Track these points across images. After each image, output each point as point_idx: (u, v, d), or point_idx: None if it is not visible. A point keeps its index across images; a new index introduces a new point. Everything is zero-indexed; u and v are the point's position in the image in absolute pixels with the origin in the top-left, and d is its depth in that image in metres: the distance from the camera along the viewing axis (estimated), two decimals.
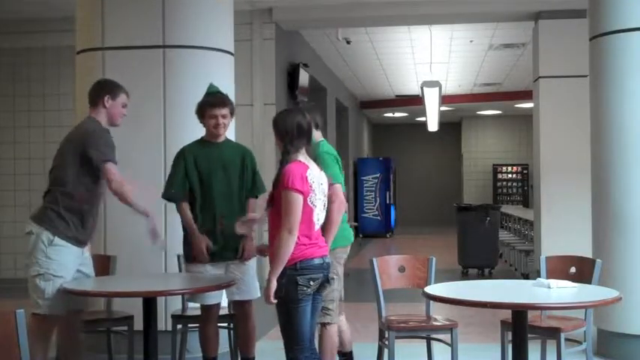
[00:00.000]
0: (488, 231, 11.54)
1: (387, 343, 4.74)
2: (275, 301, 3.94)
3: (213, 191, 4.96)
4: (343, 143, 17.35)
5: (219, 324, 5.19)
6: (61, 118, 10.47)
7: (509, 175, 24.02)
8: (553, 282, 4.09)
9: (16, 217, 10.64)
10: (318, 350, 4.64)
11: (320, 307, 4.29)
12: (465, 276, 11.40)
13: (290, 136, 4.04)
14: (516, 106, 20.45)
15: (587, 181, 6.50)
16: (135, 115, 5.91)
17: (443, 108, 18.40)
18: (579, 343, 4.83)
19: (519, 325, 4.01)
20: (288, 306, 3.97)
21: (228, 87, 5.79)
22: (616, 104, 6.01)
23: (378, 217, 20.07)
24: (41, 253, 4.55)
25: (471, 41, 12.98)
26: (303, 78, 11.54)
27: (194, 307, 5.31)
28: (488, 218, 11.54)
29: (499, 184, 23.99)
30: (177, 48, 6.10)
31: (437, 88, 14.48)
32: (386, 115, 23.20)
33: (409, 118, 23.50)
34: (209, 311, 5.02)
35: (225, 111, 4.99)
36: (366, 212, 19.65)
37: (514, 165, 23.96)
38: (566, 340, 4.65)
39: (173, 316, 5.36)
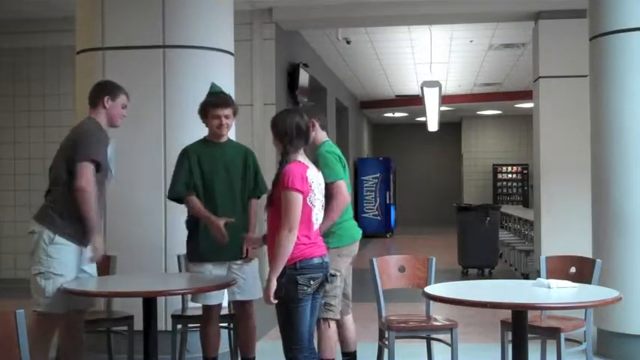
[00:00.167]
0: (488, 231, 11.54)
1: (387, 343, 4.74)
2: (275, 301, 3.94)
3: (216, 191, 4.96)
4: (343, 143, 17.34)
5: (219, 324, 5.19)
6: (61, 118, 10.47)
7: (509, 175, 24.02)
8: (553, 282, 4.09)
9: (16, 217, 10.64)
10: (317, 348, 4.66)
11: (318, 307, 4.29)
12: (465, 276, 11.40)
13: (289, 136, 4.07)
14: (516, 106, 20.44)
15: (587, 181, 6.50)
16: (135, 115, 5.91)
17: (443, 108, 18.40)
18: (579, 343, 4.83)
19: (519, 325, 4.01)
20: (287, 305, 3.98)
21: (228, 87, 5.80)
22: (616, 104, 6.01)
23: (378, 217, 20.07)
24: (42, 252, 4.56)
25: (471, 41, 12.98)
26: (303, 78, 11.54)
27: (194, 307, 5.31)
28: (488, 218, 11.54)
29: (499, 184, 23.99)
30: (177, 48, 6.10)
31: (437, 88, 14.47)
32: (386, 115, 23.20)
33: (409, 118, 23.50)
34: (210, 311, 5.02)
35: (228, 111, 4.99)
36: (366, 212, 19.64)
37: (514, 165, 23.95)
38: (566, 340, 4.65)
39: (173, 316, 5.36)
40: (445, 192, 24.81)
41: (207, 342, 5.05)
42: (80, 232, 4.60)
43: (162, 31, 6.08)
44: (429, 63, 14.18)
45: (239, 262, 5.03)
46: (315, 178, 4.08)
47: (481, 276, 11.34)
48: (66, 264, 4.57)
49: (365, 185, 20.11)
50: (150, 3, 6.10)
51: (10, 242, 10.76)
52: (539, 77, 10.11)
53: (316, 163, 4.42)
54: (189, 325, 5.40)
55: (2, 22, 10.63)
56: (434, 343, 5.06)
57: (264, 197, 4.46)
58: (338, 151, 5.04)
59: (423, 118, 20.36)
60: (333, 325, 4.87)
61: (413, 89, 17.70)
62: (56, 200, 4.62)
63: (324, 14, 10.51)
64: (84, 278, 4.68)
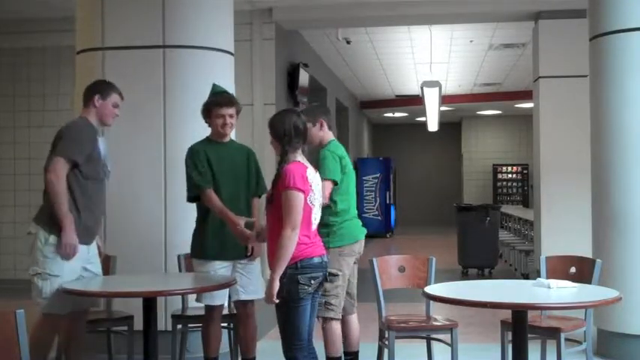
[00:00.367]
0: (488, 231, 11.54)
1: (387, 343, 4.74)
2: (277, 301, 3.94)
3: (223, 191, 4.95)
4: (343, 143, 17.21)
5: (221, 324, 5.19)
6: (60, 118, 10.40)
7: (509, 175, 24.02)
8: (553, 282, 4.09)
9: (16, 217, 10.64)
10: (324, 346, 4.67)
11: (317, 306, 4.29)
12: (465, 276, 11.40)
13: (287, 137, 4.09)
14: (516, 106, 20.44)
15: (587, 181, 6.50)
16: (135, 115, 5.93)
17: (443, 108, 18.39)
18: (579, 343, 4.83)
19: (519, 325, 4.01)
20: (288, 305, 3.99)
21: (228, 87, 5.79)
22: (616, 104, 6.01)
23: (378, 217, 20.07)
24: (39, 253, 4.56)
25: (471, 41, 12.98)
26: (303, 78, 11.54)
27: (194, 307, 5.31)
28: (488, 218, 11.54)
29: (499, 184, 23.99)
30: (177, 48, 6.09)
31: (437, 88, 14.47)
32: (386, 115, 23.20)
33: (409, 118, 23.50)
34: (213, 311, 5.02)
35: (232, 110, 5.00)
36: (366, 212, 19.63)
37: (514, 165, 23.95)
38: (566, 340, 4.65)
39: (173, 316, 5.36)
40: (445, 192, 24.81)
41: (209, 342, 5.04)
42: (78, 231, 4.59)
43: (163, 31, 6.08)
44: (429, 63, 14.18)
45: (244, 260, 5.03)
46: (314, 177, 4.10)
47: (481, 276, 11.35)
48: (62, 264, 4.56)
49: (365, 185, 20.10)
50: (150, 3, 6.10)
51: (10, 243, 10.76)
52: (539, 77, 10.11)
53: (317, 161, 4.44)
54: (189, 325, 5.40)
55: (2, 22, 10.63)
56: (434, 343, 5.06)
57: (264, 197, 4.47)
58: (341, 152, 5.04)
59: (423, 118, 20.36)
60: (336, 323, 4.88)
61: (413, 89, 17.70)
62: (50, 199, 4.61)
63: (324, 14, 10.51)
64: (84, 278, 4.68)
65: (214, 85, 5.15)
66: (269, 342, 6.22)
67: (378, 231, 19.49)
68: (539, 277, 4.76)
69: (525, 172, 23.34)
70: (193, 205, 5.09)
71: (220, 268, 4.95)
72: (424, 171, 25.77)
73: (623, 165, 5.95)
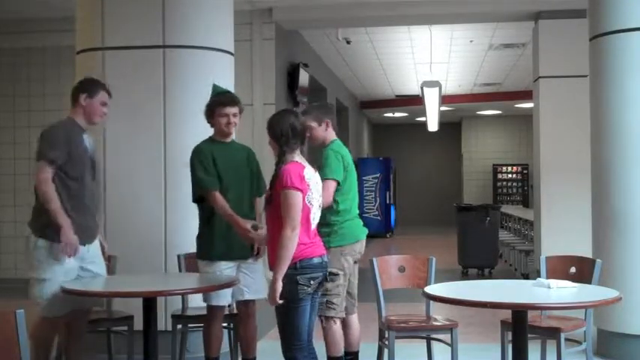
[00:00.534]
0: (488, 231, 11.54)
1: (387, 343, 4.74)
2: (280, 302, 3.93)
3: (228, 191, 4.95)
4: (343, 143, 17.34)
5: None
6: (60, 118, 10.44)
7: (509, 175, 24.02)
8: (553, 282, 4.09)
9: (16, 217, 10.63)
10: (325, 346, 4.67)
11: (317, 306, 4.29)
12: (465, 276, 11.40)
13: (285, 137, 4.09)
14: (516, 106, 20.44)
15: (587, 181, 6.50)
16: (135, 115, 5.93)
17: (443, 108, 18.39)
18: (579, 343, 4.83)
19: (519, 325, 4.01)
20: (288, 305, 3.98)
21: (228, 87, 5.79)
22: (616, 104, 6.01)
23: (378, 217, 20.07)
24: (31, 257, 4.55)
25: (471, 41, 12.98)
26: (303, 78, 11.54)
27: (194, 307, 5.32)
28: (488, 218, 11.54)
29: (499, 184, 23.99)
30: (177, 48, 6.09)
31: (437, 88, 14.47)
32: (386, 115, 23.20)
33: (409, 118, 23.49)
34: (216, 311, 5.02)
35: (235, 110, 5.01)
36: (366, 212, 19.63)
37: (514, 165, 23.95)
38: (566, 340, 4.65)
39: (173, 316, 5.36)
40: (445, 192, 24.81)
41: (210, 342, 5.03)
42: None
43: (163, 31, 6.08)
44: (429, 63, 14.17)
45: (250, 260, 5.03)
46: (312, 177, 4.09)
47: (481, 276, 11.35)
48: (54, 267, 4.52)
49: (365, 185, 20.10)
50: (150, 3, 6.10)
51: (10, 242, 10.76)
52: (539, 77, 10.11)
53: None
54: (190, 325, 5.40)
55: (2, 22, 10.62)
56: (434, 343, 5.06)
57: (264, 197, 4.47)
58: (343, 152, 5.05)
59: (423, 118, 20.36)
60: (337, 322, 4.88)
61: (413, 89, 17.70)
62: (37, 200, 4.58)
63: (324, 14, 10.51)
64: (85, 278, 4.67)
65: (215, 86, 5.15)
66: (269, 342, 6.22)
67: (378, 231, 19.49)
68: (539, 277, 4.76)
69: (525, 172, 23.34)
70: (193, 205, 5.09)
71: (226, 269, 4.95)
72: (424, 171, 25.76)
73: (623, 165, 5.95)
